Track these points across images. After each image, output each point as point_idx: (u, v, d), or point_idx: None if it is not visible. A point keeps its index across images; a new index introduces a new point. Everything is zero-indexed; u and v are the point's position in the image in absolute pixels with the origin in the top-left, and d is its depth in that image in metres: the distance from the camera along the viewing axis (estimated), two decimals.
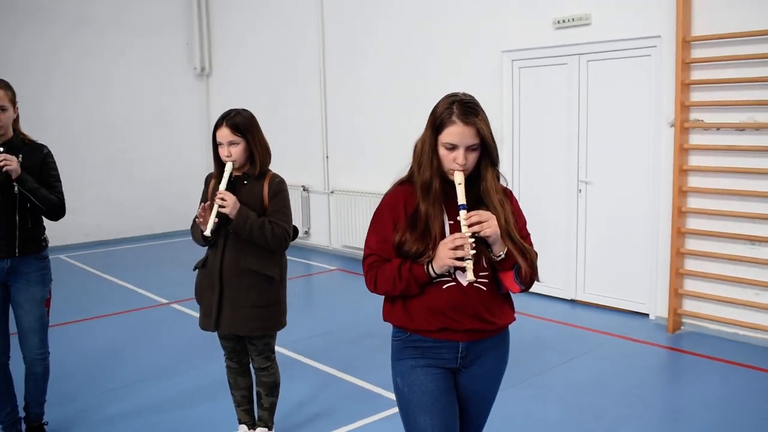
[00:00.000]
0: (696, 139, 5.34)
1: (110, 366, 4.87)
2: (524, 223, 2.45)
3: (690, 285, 5.44)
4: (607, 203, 5.95)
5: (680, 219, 5.36)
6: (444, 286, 2.27)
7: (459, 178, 2.24)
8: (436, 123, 2.27)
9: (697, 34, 5.22)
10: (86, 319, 6.03)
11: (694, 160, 5.35)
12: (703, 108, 5.27)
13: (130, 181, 9.80)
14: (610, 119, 5.89)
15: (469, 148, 2.24)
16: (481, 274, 2.27)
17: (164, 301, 6.44)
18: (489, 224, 2.20)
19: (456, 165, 2.24)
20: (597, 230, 6.07)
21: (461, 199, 2.22)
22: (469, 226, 2.19)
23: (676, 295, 5.43)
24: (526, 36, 6.36)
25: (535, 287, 6.53)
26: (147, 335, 5.58)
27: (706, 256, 5.28)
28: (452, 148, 2.24)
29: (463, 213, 2.20)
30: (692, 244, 5.39)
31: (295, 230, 3.43)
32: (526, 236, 2.42)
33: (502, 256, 2.27)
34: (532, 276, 2.34)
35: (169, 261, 8.45)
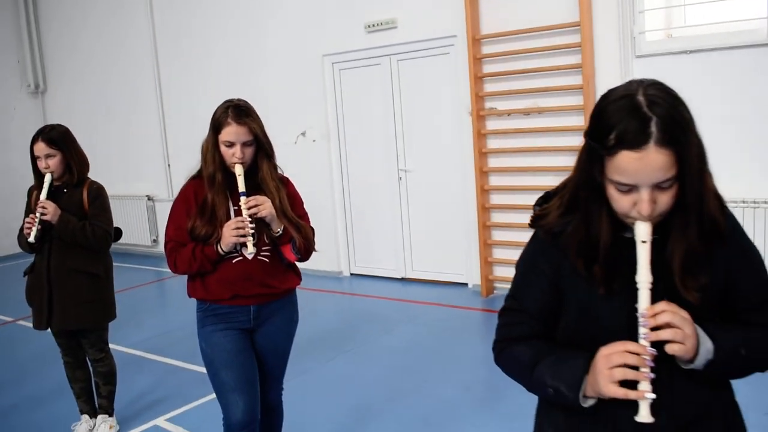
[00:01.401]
0: (491, 124, 6.07)
1: None
2: (301, 204, 2.94)
3: (497, 253, 6.18)
4: (425, 188, 6.61)
5: (483, 196, 6.08)
6: (233, 261, 2.72)
7: (239, 170, 2.69)
8: (216, 125, 2.72)
9: (485, 32, 5.95)
10: None
11: (492, 143, 6.09)
12: (495, 97, 6.00)
13: None
14: (421, 112, 6.54)
15: (244, 144, 2.70)
16: (263, 248, 2.75)
17: (9, 319, 6.53)
18: (265, 207, 2.68)
19: (235, 159, 2.69)
20: (418, 213, 6.72)
21: (241, 187, 2.68)
22: (249, 208, 2.66)
23: (486, 263, 6.15)
24: (343, 40, 6.90)
25: (370, 269, 7.12)
26: None
27: (508, 226, 6.03)
28: (230, 145, 2.69)
29: (243, 198, 2.67)
30: (496, 217, 6.14)
31: (118, 231, 3.77)
32: (303, 215, 2.91)
33: (280, 232, 2.75)
34: (308, 246, 2.83)
35: (14, 279, 8.37)
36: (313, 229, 2.92)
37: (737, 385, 1.50)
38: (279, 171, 2.89)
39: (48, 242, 3.56)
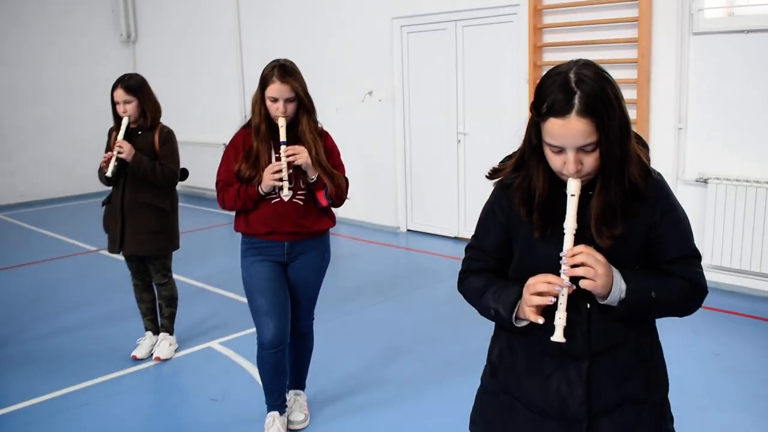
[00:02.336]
0: None
1: (39, 300, 5.64)
2: (337, 155, 3.29)
3: None
4: (482, 151, 6.85)
5: None
6: (272, 201, 3.11)
7: (281, 122, 3.07)
8: (263, 82, 3.09)
9: (547, 3, 6.09)
10: (19, 266, 6.74)
11: None
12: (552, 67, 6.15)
13: (65, 142, 10.38)
14: (482, 78, 6.76)
15: (287, 100, 3.06)
16: (299, 192, 3.13)
17: (92, 248, 7.21)
18: (301, 155, 3.04)
19: (278, 112, 3.06)
20: (474, 175, 6.97)
21: (282, 137, 3.06)
22: (287, 156, 3.03)
23: None
24: (413, 4, 7.15)
25: (426, 226, 7.42)
26: (75, 276, 6.35)
27: None
28: (274, 100, 3.05)
29: (282, 147, 3.04)
30: None
31: (184, 171, 4.22)
32: (338, 165, 3.27)
33: (314, 179, 3.11)
34: (339, 194, 3.20)
35: (100, 215, 9.12)
36: (347, 179, 3.28)
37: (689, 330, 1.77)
38: (319, 125, 3.24)
39: (123, 178, 4.05)
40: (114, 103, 4.04)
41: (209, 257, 6.71)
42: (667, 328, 4.65)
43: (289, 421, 3.39)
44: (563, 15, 6.04)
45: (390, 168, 7.68)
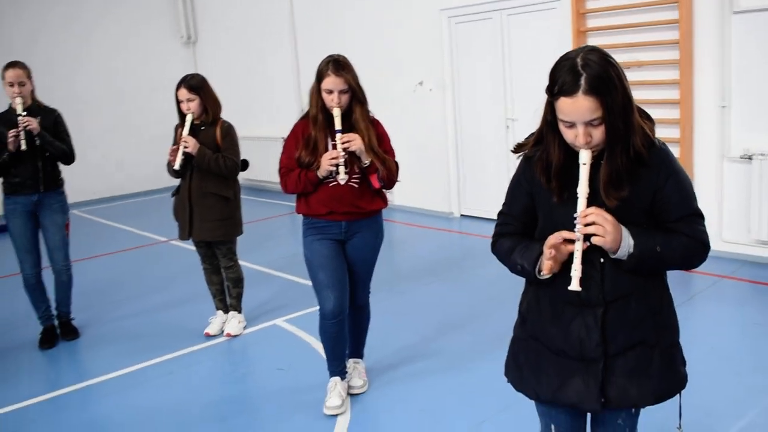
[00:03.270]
0: None
1: (117, 287, 6.10)
2: (388, 141, 3.57)
3: None
4: None
5: None
6: (329, 185, 3.42)
7: (336, 112, 3.37)
8: (319, 75, 3.39)
9: None
10: (96, 256, 7.24)
11: None
12: None
13: (132, 141, 10.94)
14: (528, 65, 6.95)
15: (341, 92, 3.36)
16: (354, 176, 3.43)
17: (163, 239, 7.69)
18: (355, 142, 3.34)
19: (333, 103, 3.36)
20: None
21: (337, 126, 3.36)
22: (342, 143, 3.33)
23: None
24: None
25: (478, 211, 7.61)
26: (148, 264, 6.82)
27: None
28: (330, 92, 3.36)
29: (338, 135, 3.35)
30: None
31: (245, 162, 4.57)
32: (389, 151, 3.55)
33: (367, 163, 3.41)
34: (390, 177, 3.48)
35: (167, 208, 9.63)
36: (397, 163, 3.56)
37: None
38: (370, 114, 3.52)
39: (189, 170, 4.41)
40: (178, 102, 4.40)
41: (272, 244, 7.10)
42: (714, 297, 4.85)
43: (349, 386, 3.70)
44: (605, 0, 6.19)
45: (442, 155, 7.93)
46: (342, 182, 3.40)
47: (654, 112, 6.20)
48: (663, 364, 1.92)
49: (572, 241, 1.83)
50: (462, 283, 5.56)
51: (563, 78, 1.79)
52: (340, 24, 8.85)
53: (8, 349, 4.79)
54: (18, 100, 4.40)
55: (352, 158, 3.39)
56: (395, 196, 8.47)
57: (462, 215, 7.98)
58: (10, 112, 4.48)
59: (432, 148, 8.02)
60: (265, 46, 10.24)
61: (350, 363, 3.81)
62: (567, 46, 6.40)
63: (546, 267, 1.87)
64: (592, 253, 1.85)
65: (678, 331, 2.00)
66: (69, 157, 4.64)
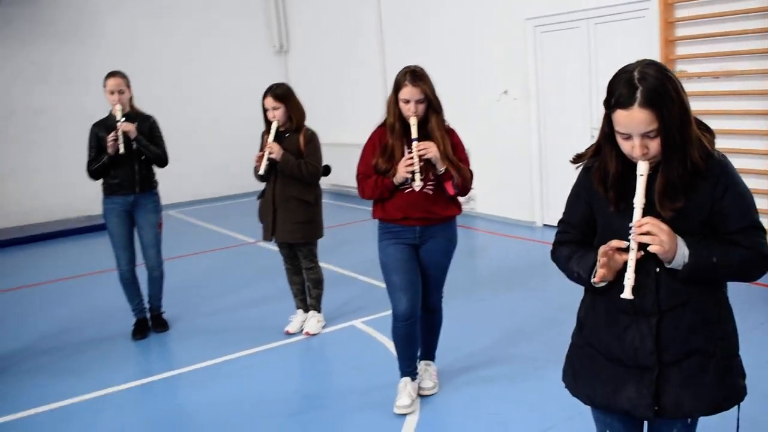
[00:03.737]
0: None
1: (205, 284, 6.42)
2: (462, 150, 3.65)
3: None
4: None
5: None
6: (405, 191, 3.53)
7: (413, 121, 3.48)
8: (396, 85, 3.51)
9: None
10: (187, 255, 7.61)
11: None
12: (685, 60, 6.20)
13: (226, 145, 11.37)
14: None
15: (417, 102, 3.47)
16: (429, 183, 3.53)
17: (250, 240, 7.99)
18: (430, 150, 3.45)
19: (410, 113, 3.47)
20: None
21: (414, 134, 3.47)
22: (418, 151, 3.44)
23: None
24: (545, 4, 7.38)
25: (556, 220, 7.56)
26: (236, 263, 7.12)
27: None
28: (407, 102, 3.47)
29: (414, 143, 3.46)
30: None
31: (327, 168, 4.74)
32: (463, 159, 3.63)
33: (442, 171, 3.51)
34: (465, 184, 3.56)
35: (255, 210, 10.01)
36: (471, 171, 3.64)
37: None
38: (446, 123, 3.62)
39: (274, 175, 4.62)
40: (264, 110, 4.61)
41: (354, 248, 7.28)
42: None
43: (420, 388, 3.80)
44: (695, 8, 6.06)
45: (525, 164, 7.92)
46: (417, 189, 3.51)
47: (745, 123, 6.15)
48: (719, 374, 1.93)
49: (627, 251, 1.88)
50: (539, 291, 5.56)
51: (620, 90, 1.84)
52: (425, 33, 8.98)
53: (105, 338, 5.13)
54: (117, 107, 4.72)
55: (427, 166, 3.49)
56: (478, 203, 8.51)
57: (544, 225, 7.94)
58: (110, 117, 4.80)
59: (515, 157, 8.02)
60: (353, 55, 10.48)
61: (422, 365, 3.90)
62: (655, 55, 6.31)
63: (598, 275, 1.92)
64: (647, 262, 1.89)
65: (736, 342, 2.00)
66: (163, 161, 4.94)
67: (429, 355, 3.95)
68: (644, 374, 1.94)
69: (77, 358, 4.79)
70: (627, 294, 1.88)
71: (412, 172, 3.44)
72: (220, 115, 11.43)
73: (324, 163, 4.80)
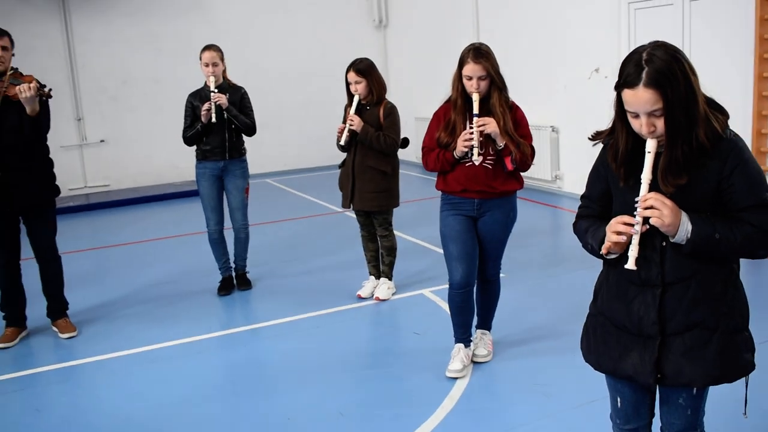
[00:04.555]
0: None
1: (292, 247, 6.81)
2: (525, 126, 3.76)
3: None
4: None
5: (759, 140, 6.15)
6: (465, 165, 3.69)
7: (475, 97, 3.62)
8: (460, 62, 3.66)
9: None
10: (280, 220, 8.02)
11: None
12: None
13: (322, 118, 11.75)
14: (708, 52, 6.69)
15: (480, 78, 3.60)
16: (488, 157, 3.66)
17: (339, 209, 8.32)
18: (490, 125, 3.58)
19: (473, 89, 3.61)
20: None
21: (475, 110, 3.61)
22: (478, 126, 3.58)
23: None
24: None
25: None
26: (321, 230, 7.49)
27: None
28: (469, 78, 3.61)
29: (475, 118, 3.60)
30: None
31: (405, 140, 4.94)
32: (526, 135, 3.74)
33: (501, 146, 3.64)
34: (524, 159, 3.67)
35: None
36: (533, 147, 3.74)
37: None
38: (510, 100, 3.73)
39: (354, 145, 4.86)
40: (347, 83, 4.84)
41: (433, 221, 7.40)
42: None
43: (474, 355, 3.97)
44: None
45: None
46: (476, 163, 3.65)
47: None
48: (722, 348, 2.01)
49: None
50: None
51: (628, 70, 1.95)
52: (520, 9, 8.94)
53: (194, 292, 5.58)
54: (211, 79, 5.08)
55: (487, 141, 3.63)
56: (565, 182, 8.49)
57: None
58: (205, 88, 5.17)
59: None
60: (450, 31, 10.54)
61: (478, 333, 4.07)
62: (749, 33, 6.12)
63: (604, 247, 2.05)
64: (653, 236, 2.00)
65: (745, 317, 2.07)
66: (251, 130, 5.27)
67: (485, 324, 4.11)
68: (647, 342, 2.06)
69: (168, 309, 5.25)
70: (630, 265, 1.99)
71: (471, 147, 3.59)
72: (320, 87, 11.78)
73: (403, 135, 5.00)
